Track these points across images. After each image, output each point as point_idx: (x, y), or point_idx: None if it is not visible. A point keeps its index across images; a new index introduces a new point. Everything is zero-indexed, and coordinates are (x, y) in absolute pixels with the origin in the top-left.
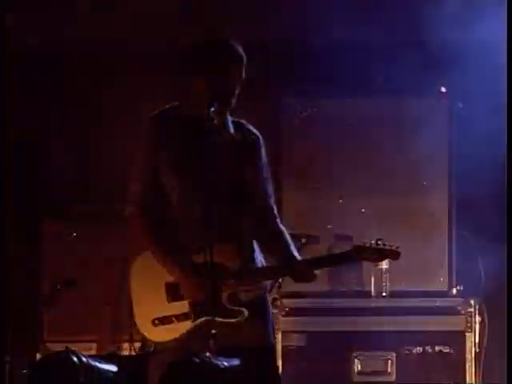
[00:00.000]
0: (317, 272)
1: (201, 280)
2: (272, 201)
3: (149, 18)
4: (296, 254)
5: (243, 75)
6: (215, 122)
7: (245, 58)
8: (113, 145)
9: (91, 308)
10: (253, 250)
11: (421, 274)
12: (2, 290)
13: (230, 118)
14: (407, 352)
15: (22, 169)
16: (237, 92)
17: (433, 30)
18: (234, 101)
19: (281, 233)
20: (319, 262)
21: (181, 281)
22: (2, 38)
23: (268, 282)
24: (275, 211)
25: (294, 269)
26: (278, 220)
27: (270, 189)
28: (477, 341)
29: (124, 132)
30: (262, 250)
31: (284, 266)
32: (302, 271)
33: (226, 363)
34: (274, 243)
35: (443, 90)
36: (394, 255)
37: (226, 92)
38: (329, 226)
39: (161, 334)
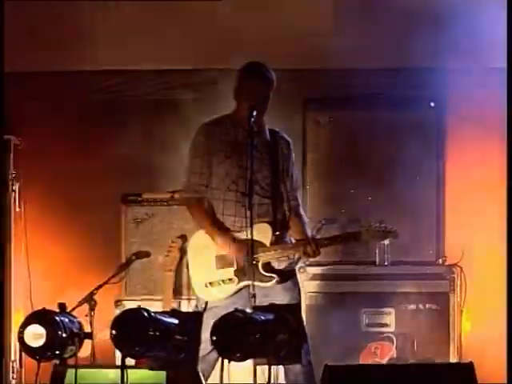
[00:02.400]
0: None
1: (243, 252)
2: (297, 192)
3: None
4: (308, 234)
5: (272, 89)
6: (255, 127)
7: (274, 77)
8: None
9: (158, 274)
10: (282, 229)
11: (415, 248)
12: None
13: (266, 126)
14: (404, 308)
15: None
16: (268, 102)
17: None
18: (266, 109)
19: (301, 216)
20: (333, 239)
21: (228, 252)
22: None
23: (296, 255)
24: (299, 200)
25: (306, 246)
26: (300, 206)
27: (296, 183)
28: (458, 300)
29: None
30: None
31: (300, 243)
32: (312, 248)
33: (262, 317)
34: (295, 224)
35: (432, 104)
36: (393, 235)
37: (260, 102)
38: (342, 211)
39: (211, 295)
